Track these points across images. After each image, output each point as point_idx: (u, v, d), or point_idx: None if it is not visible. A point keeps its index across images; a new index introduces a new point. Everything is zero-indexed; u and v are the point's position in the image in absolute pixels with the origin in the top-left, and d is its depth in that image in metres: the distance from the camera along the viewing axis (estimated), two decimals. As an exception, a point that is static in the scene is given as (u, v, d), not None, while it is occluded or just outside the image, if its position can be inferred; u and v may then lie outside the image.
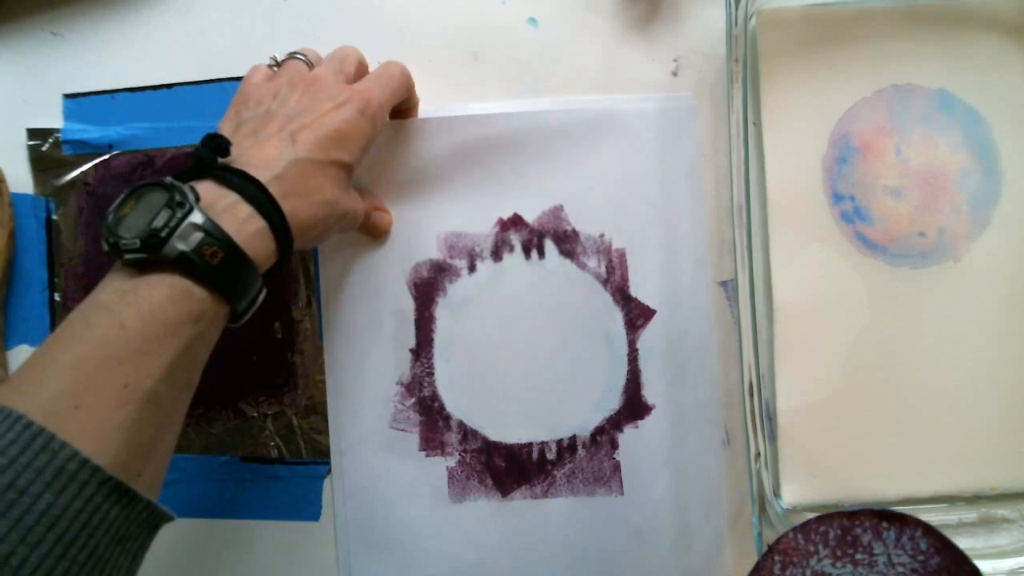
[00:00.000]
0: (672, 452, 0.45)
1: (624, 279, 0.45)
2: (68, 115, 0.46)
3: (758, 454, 0.41)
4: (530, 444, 0.45)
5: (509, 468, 0.45)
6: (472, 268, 0.45)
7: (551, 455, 0.45)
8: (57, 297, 0.46)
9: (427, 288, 0.45)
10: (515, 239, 0.45)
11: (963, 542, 0.43)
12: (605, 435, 0.45)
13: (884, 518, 0.35)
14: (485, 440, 0.45)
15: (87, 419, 0.29)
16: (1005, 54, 0.44)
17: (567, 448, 0.45)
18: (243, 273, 0.33)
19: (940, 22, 0.44)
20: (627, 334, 0.45)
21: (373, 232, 0.45)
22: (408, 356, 0.45)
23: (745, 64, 0.42)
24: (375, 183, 0.45)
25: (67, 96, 0.46)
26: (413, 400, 0.45)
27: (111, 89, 0.46)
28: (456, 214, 0.45)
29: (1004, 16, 0.44)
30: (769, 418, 0.44)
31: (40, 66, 0.46)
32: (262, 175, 0.34)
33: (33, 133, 0.46)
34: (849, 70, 0.44)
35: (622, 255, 0.45)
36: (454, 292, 0.45)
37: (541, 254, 0.45)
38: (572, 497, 0.45)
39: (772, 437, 0.44)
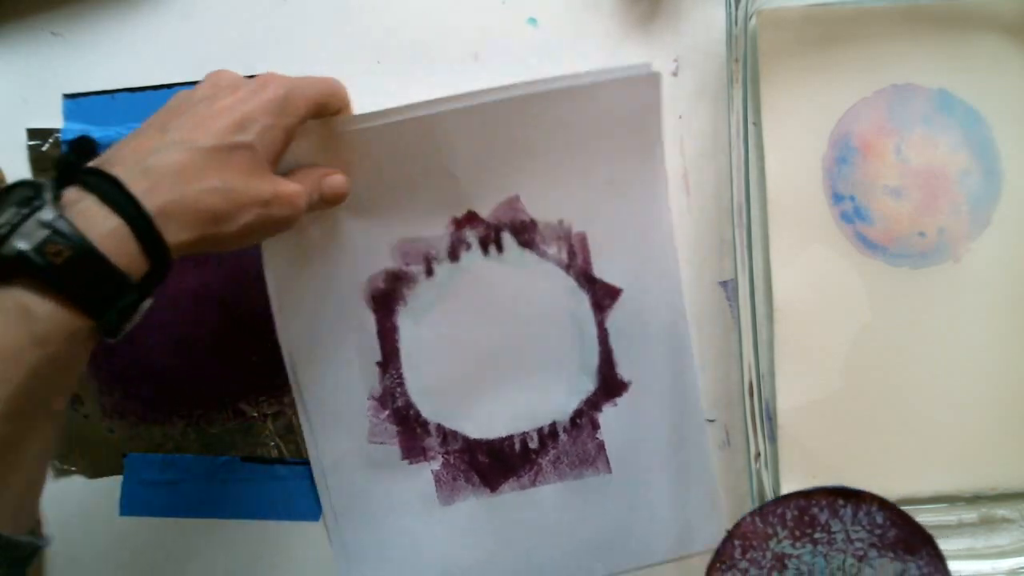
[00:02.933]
0: (655, 425, 0.45)
1: (587, 262, 0.44)
2: (68, 115, 0.46)
3: (758, 454, 0.41)
4: (511, 436, 0.45)
5: (493, 463, 0.45)
6: (429, 272, 0.44)
7: (533, 444, 0.45)
8: (57, 297, 0.46)
9: (386, 299, 0.44)
10: (471, 236, 0.44)
11: (963, 542, 0.43)
12: (585, 417, 0.45)
13: (840, 496, 0.36)
14: (466, 439, 0.45)
15: None
16: (1005, 54, 0.44)
17: (548, 435, 0.45)
18: (99, 276, 0.29)
19: (940, 22, 0.44)
20: (595, 316, 0.44)
21: (331, 201, 0.40)
22: (376, 370, 0.44)
23: (745, 64, 0.42)
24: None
25: (67, 96, 0.46)
26: (387, 412, 0.44)
27: (111, 89, 0.46)
28: (407, 219, 0.43)
29: (1004, 16, 0.44)
30: (769, 418, 0.44)
31: (40, 66, 0.46)
32: (124, 171, 0.31)
33: (33, 133, 0.46)
34: (849, 70, 0.44)
35: (583, 238, 0.44)
36: (414, 299, 0.44)
37: (500, 248, 0.44)
38: (560, 482, 0.45)
39: (772, 437, 0.44)
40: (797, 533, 0.36)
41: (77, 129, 0.46)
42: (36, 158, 0.46)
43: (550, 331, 0.44)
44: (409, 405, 0.44)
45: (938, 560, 0.35)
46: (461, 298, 0.44)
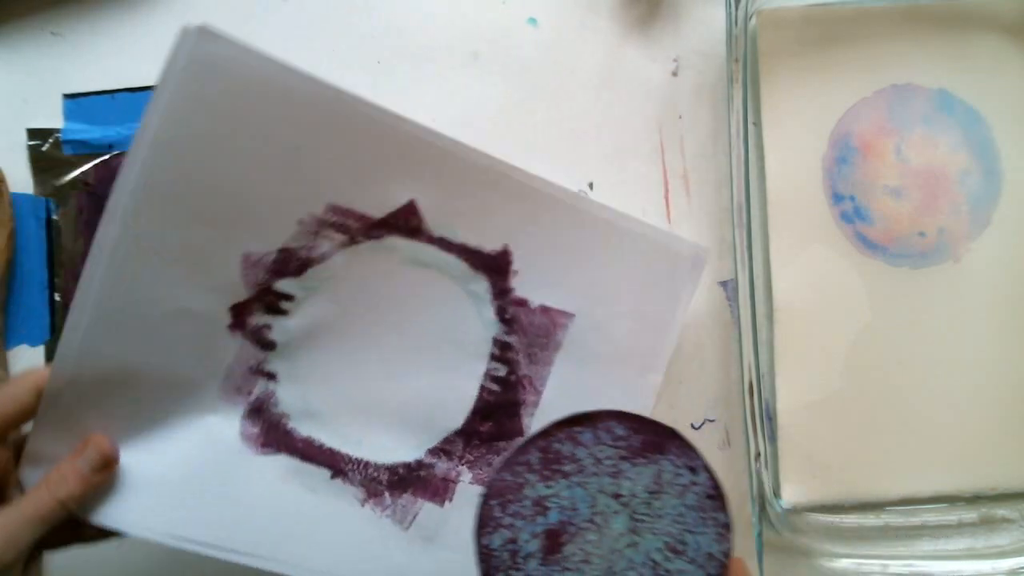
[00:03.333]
0: (558, 243, 0.41)
1: (363, 219, 0.39)
2: (68, 115, 0.46)
3: (758, 454, 0.41)
4: (482, 388, 0.42)
5: (497, 421, 0.42)
6: (271, 376, 0.39)
7: (501, 372, 0.42)
8: (57, 297, 0.46)
9: (273, 430, 0.40)
10: (258, 320, 0.38)
11: (963, 542, 0.43)
12: (509, 308, 0.41)
13: (574, 423, 0.36)
14: (457, 433, 0.42)
15: None
16: (1005, 54, 0.44)
17: (502, 350, 0.42)
18: None
19: (940, 22, 0.44)
20: (456, 256, 0.41)
21: (107, 465, 0.35)
22: (338, 481, 0.40)
23: (745, 64, 0.42)
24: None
25: (67, 96, 0.46)
26: (386, 491, 0.41)
27: (111, 89, 0.46)
28: (203, 366, 0.38)
29: (1004, 16, 0.44)
30: (769, 418, 0.44)
31: (40, 66, 0.46)
32: None
33: (33, 133, 0.46)
34: (849, 70, 0.44)
35: (348, 211, 0.38)
36: (291, 407, 0.40)
37: (289, 298, 0.39)
38: (553, 364, 0.42)
39: (772, 437, 0.44)
40: (547, 473, 0.36)
41: (77, 129, 0.46)
42: (36, 158, 0.46)
43: (425, 301, 0.41)
44: (394, 468, 0.41)
45: (688, 448, 0.35)
46: (319, 362, 0.40)
